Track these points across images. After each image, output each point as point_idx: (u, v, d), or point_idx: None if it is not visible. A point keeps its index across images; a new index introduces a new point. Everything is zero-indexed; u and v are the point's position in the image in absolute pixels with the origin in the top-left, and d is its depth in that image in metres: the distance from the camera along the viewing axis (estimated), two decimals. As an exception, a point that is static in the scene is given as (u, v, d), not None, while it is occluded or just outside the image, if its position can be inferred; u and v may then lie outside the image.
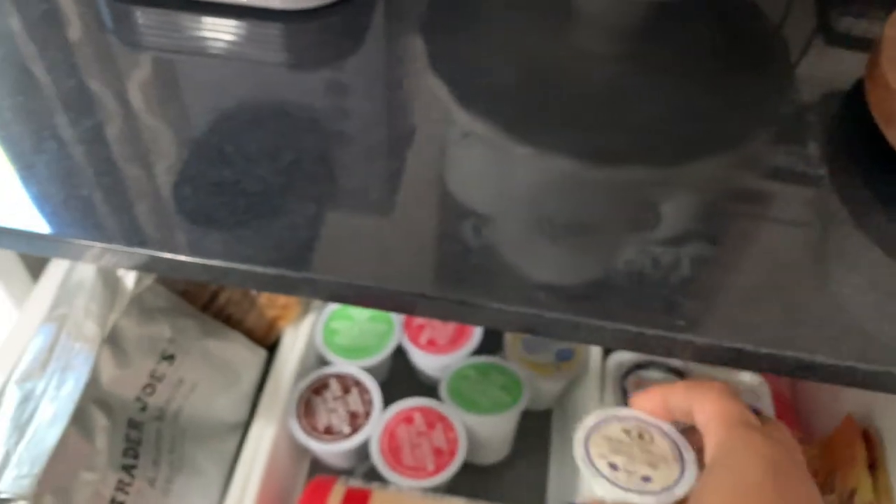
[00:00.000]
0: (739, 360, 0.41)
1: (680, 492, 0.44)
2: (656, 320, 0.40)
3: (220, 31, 0.55)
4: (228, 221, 0.42)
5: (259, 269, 0.41)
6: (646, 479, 0.44)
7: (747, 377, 0.60)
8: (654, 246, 0.43)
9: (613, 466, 0.45)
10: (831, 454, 0.56)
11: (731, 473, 0.35)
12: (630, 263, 0.42)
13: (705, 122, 0.51)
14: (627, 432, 0.49)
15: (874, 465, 0.52)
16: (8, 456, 0.40)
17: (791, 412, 0.64)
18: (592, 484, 0.48)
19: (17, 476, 0.40)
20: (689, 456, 0.45)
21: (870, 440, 0.53)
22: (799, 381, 0.68)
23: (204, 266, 0.41)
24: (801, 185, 0.47)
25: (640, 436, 0.48)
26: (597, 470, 0.46)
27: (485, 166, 0.47)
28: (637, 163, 0.48)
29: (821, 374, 0.40)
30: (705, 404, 0.39)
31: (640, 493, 0.43)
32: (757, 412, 0.40)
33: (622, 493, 0.44)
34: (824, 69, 0.54)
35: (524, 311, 0.40)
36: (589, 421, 0.50)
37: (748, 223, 0.45)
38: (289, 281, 0.41)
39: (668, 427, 0.48)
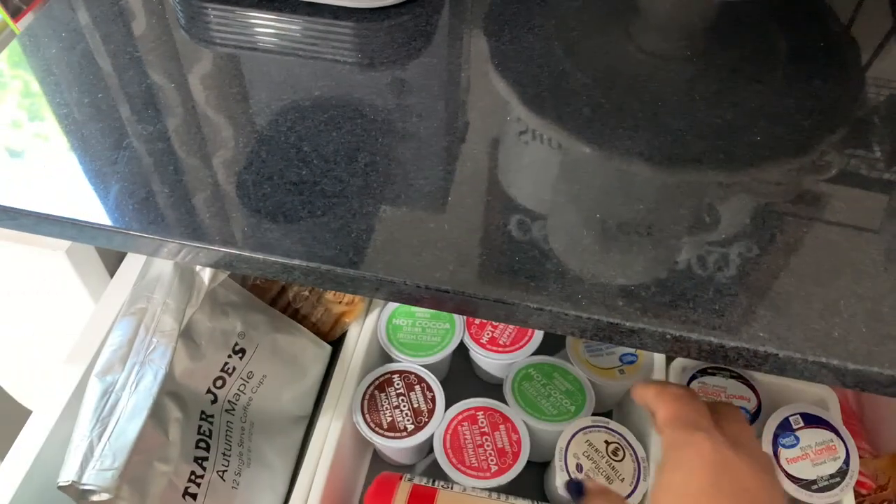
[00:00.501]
0: (825, 374, 0.40)
1: None
2: (736, 331, 0.40)
3: (292, 28, 0.55)
4: (308, 221, 0.42)
5: (339, 269, 0.42)
6: None
7: (816, 387, 0.59)
8: (719, 250, 0.42)
9: (579, 467, 0.52)
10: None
11: (677, 475, 0.38)
12: (702, 269, 0.42)
13: (774, 124, 0.50)
14: (607, 444, 0.55)
15: (952, 482, 0.50)
16: (91, 448, 0.42)
17: (856, 423, 0.63)
18: (557, 473, 0.53)
19: (101, 469, 0.41)
20: (643, 486, 0.53)
21: (948, 456, 0.51)
22: (865, 394, 0.66)
23: (283, 265, 0.42)
24: (872, 189, 0.46)
25: (615, 452, 0.54)
26: (565, 464, 0.53)
27: (549, 167, 0.46)
28: (703, 167, 0.47)
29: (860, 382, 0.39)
30: (660, 408, 0.41)
31: None
32: (715, 403, 0.43)
33: None
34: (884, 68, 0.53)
35: (593, 317, 0.40)
36: (583, 422, 0.54)
37: (819, 230, 0.44)
38: (365, 282, 0.42)
39: (643, 454, 0.54)
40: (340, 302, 0.60)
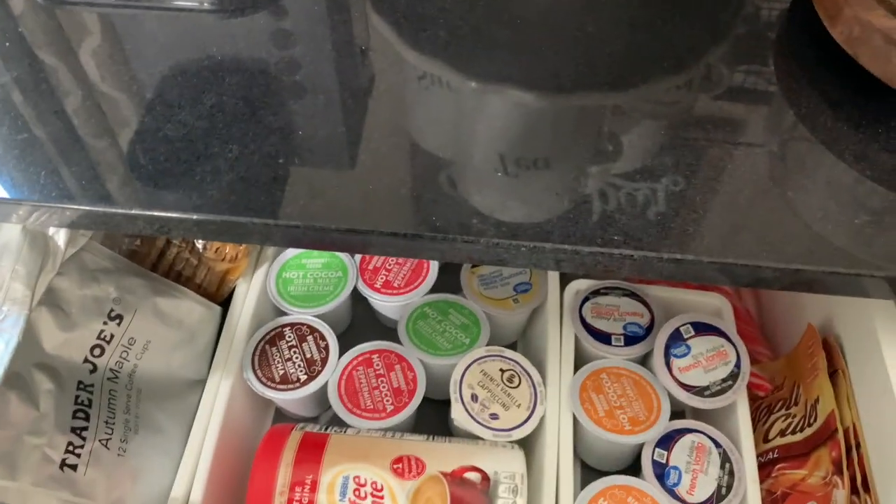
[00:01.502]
0: (681, 272, 0.40)
1: (516, 435, 0.51)
2: (594, 238, 0.39)
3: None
4: (156, 170, 0.41)
5: (192, 216, 0.40)
6: (493, 416, 0.52)
7: (709, 297, 0.59)
8: (610, 173, 0.42)
9: (474, 397, 0.52)
10: (795, 366, 0.56)
11: None
12: (582, 187, 0.41)
13: (654, 42, 0.49)
14: (503, 372, 0.54)
15: (835, 372, 0.51)
16: (-61, 422, 0.40)
17: (755, 329, 0.63)
18: (452, 405, 0.52)
19: (-50, 441, 0.39)
20: (541, 410, 0.52)
21: (830, 349, 0.52)
22: (764, 300, 0.67)
23: (133, 217, 0.40)
24: (756, 101, 0.46)
25: (510, 379, 0.53)
26: (460, 395, 0.52)
27: (438, 103, 0.45)
28: (590, 88, 0.46)
29: (768, 280, 0.39)
30: None
31: (483, 425, 0.51)
32: None
33: (469, 420, 0.51)
34: None
35: (474, 240, 0.39)
36: (477, 353, 0.54)
37: (700, 139, 0.43)
38: (229, 227, 0.40)
39: (538, 379, 0.54)
40: (223, 259, 0.58)
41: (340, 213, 0.39)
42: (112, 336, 0.53)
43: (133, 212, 0.40)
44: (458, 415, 0.52)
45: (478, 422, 0.52)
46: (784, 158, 0.42)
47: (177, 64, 0.47)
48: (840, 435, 0.49)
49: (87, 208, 0.40)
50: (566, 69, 0.46)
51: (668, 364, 0.54)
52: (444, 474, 0.48)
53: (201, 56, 0.47)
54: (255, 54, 0.48)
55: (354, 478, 0.48)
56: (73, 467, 0.47)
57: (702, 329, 0.56)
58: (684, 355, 0.54)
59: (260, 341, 0.56)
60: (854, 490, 0.47)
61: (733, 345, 0.55)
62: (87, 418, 0.49)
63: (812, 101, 0.45)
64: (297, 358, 0.56)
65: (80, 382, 0.50)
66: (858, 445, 0.48)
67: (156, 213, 0.40)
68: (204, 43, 0.48)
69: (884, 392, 0.45)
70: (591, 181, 0.41)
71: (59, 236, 0.48)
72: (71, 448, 0.48)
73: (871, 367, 0.47)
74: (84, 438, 0.48)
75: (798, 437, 0.53)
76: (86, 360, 0.51)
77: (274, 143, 0.43)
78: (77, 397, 0.50)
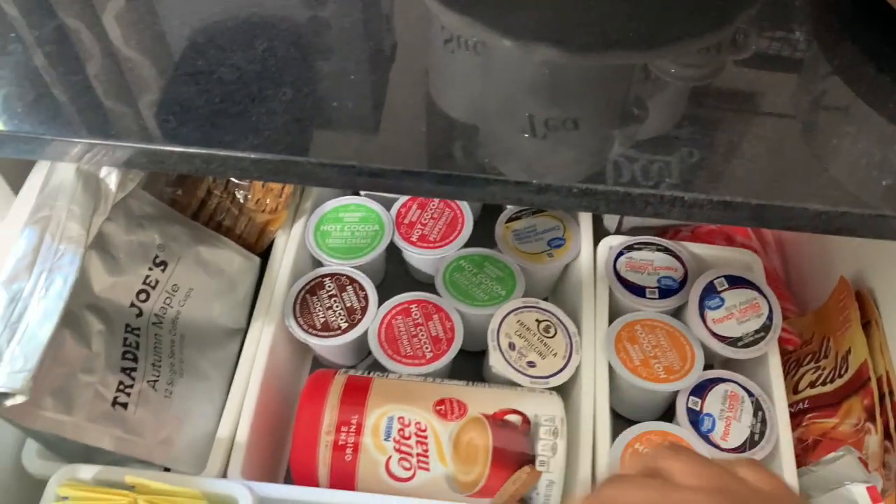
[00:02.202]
0: (730, 215, 0.40)
1: (553, 382, 0.53)
2: (645, 181, 0.40)
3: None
4: (212, 111, 0.41)
5: (239, 153, 0.41)
6: (531, 364, 0.53)
7: (740, 253, 0.60)
8: (639, 128, 0.42)
9: (511, 346, 0.54)
10: (826, 320, 0.57)
11: None
12: (630, 135, 0.42)
13: (685, 3, 0.50)
14: (539, 322, 0.56)
15: (868, 323, 0.52)
16: (0, 353, 0.41)
17: (782, 286, 0.64)
18: (490, 353, 0.53)
19: (12, 371, 0.40)
20: (576, 358, 0.54)
21: (863, 300, 0.53)
22: (790, 257, 0.68)
23: (184, 154, 0.41)
24: (789, 47, 0.47)
25: (546, 329, 0.55)
26: (498, 344, 0.54)
27: (468, 61, 0.46)
28: (620, 49, 0.47)
29: (813, 222, 0.40)
30: None
31: (520, 373, 0.53)
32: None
33: (508, 368, 0.53)
34: None
35: (526, 182, 0.40)
36: (514, 304, 0.55)
37: (746, 89, 0.44)
38: (272, 165, 0.41)
39: (574, 329, 0.55)
40: (263, 211, 0.59)
41: (394, 155, 0.40)
42: (157, 282, 0.53)
43: (191, 150, 0.41)
44: (496, 362, 0.53)
45: (515, 369, 0.53)
46: (828, 108, 0.43)
47: (227, 9, 0.48)
48: (873, 383, 0.50)
49: (145, 146, 0.41)
50: (597, 28, 0.47)
51: (702, 315, 0.55)
52: (486, 416, 0.49)
53: (249, 2, 0.48)
54: (305, 5, 0.48)
55: (399, 418, 0.49)
56: (124, 406, 0.48)
57: (735, 282, 0.57)
58: (718, 307, 0.55)
59: (301, 290, 0.57)
60: (887, 435, 0.49)
61: (766, 298, 0.56)
62: (135, 360, 0.50)
63: (854, 53, 0.45)
64: (337, 307, 0.56)
65: (127, 325, 0.51)
66: (892, 393, 0.49)
67: (213, 152, 0.41)
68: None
69: (920, 337, 0.46)
70: (617, 144, 0.42)
71: (111, 179, 0.48)
72: (121, 387, 0.49)
73: (906, 316, 0.48)
74: (133, 379, 0.50)
75: (828, 388, 0.54)
76: (132, 305, 0.52)
77: (326, 87, 0.43)
78: (125, 339, 0.51)
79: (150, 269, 0.53)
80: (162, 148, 0.41)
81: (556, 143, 0.41)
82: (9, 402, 0.40)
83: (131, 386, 0.49)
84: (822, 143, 0.41)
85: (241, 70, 0.44)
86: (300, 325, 0.55)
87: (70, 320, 0.46)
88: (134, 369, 0.50)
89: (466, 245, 0.61)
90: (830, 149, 0.41)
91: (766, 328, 0.55)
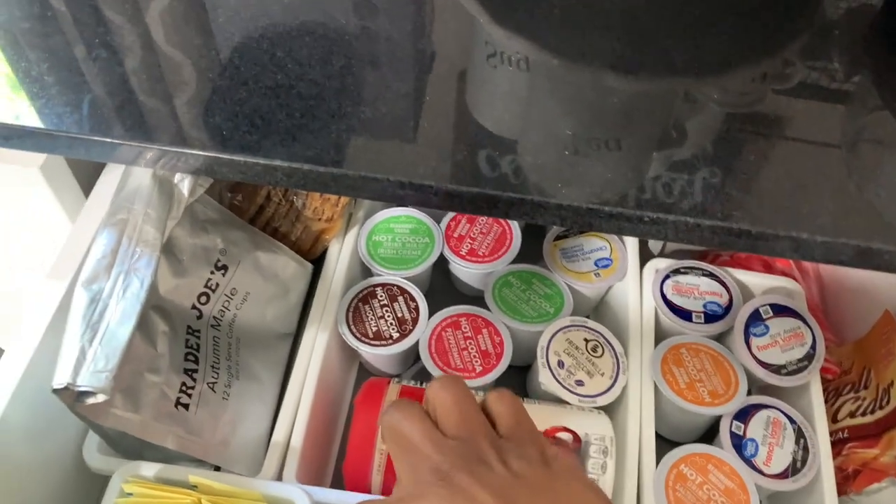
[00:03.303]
0: (797, 249, 0.42)
1: (601, 401, 0.54)
2: (714, 213, 0.41)
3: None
4: (287, 123, 0.43)
5: (319, 168, 0.42)
6: (579, 382, 0.55)
7: (783, 281, 0.61)
8: (687, 160, 0.44)
9: (560, 364, 0.55)
10: (867, 351, 0.58)
11: None
12: (673, 173, 0.43)
13: (732, 34, 0.51)
14: (587, 342, 0.57)
15: (912, 357, 0.53)
16: (83, 353, 0.42)
17: (820, 315, 0.65)
18: (540, 370, 0.55)
19: (95, 371, 0.41)
20: (623, 379, 0.55)
21: (908, 334, 0.54)
22: (828, 288, 0.69)
23: (265, 167, 0.42)
24: (830, 87, 0.48)
25: (594, 349, 0.56)
26: (547, 361, 0.55)
27: (517, 80, 0.47)
28: (667, 75, 0.48)
29: (877, 260, 0.41)
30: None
31: (569, 391, 0.54)
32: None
33: (556, 385, 0.54)
34: None
35: (598, 209, 0.41)
36: (562, 322, 0.56)
37: (783, 138, 0.45)
38: (348, 180, 0.42)
39: (621, 350, 0.57)
40: (319, 219, 0.60)
41: (471, 177, 0.42)
42: (217, 285, 0.55)
43: (274, 163, 0.42)
44: (545, 379, 0.54)
45: (564, 387, 0.54)
46: (870, 141, 0.44)
47: (302, 24, 0.49)
48: (916, 417, 0.51)
49: (230, 157, 0.42)
50: (644, 54, 0.48)
51: (747, 342, 0.56)
52: (538, 433, 0.50)
53: (325, 18, 0.49)
54: (380, 20, 0.50)
55: (453, 431, 0.50)
56: (186, 406, 0.50)
57: (780, 311, 0.58)
58: (763, 334, 0.57)
59: (353, 299, 0.58)
60: (929, 469, 0.50)
61: (809, 327, 0.57)
62: (196, 361, 0.52)
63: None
64: (388, 316, 0.58)
65: (188, 327, 0.52)
66: (935, 427, 0.50)
67: (295, 166, 0.42)
68: (325, 6, 0.50)
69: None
70: (655, 165, 0.43)
71: (184, 184, 0.50)
72: (184, 388, 0.50)
73: (953, 353, 0.50)
74: (194, 380, 0.51)
75: (869, 418, 0.55)
76: (193, 307, 0.53)
77: (403, 106, 0.45)
78: (187, 341, 0.52)
79: (212, 272, 0.54)
80: (237, 158, 0.42)
81: (598, 164, 0.42)
82: (90, 401, 0.41)
83: (192, 387, 0.50)
84: (877, 185, 0.42)
85: (321, 86, 0.45)
86: (353, 333, 0.57)
87: (139, 321, 0.48)
88: (195, 370, 0.51)
89: (514, 261, 0.62)
90: (885, 188, 0.42)
91: (809, 357, 0.56)
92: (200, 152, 0.42)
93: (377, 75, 0.46)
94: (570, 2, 0.52)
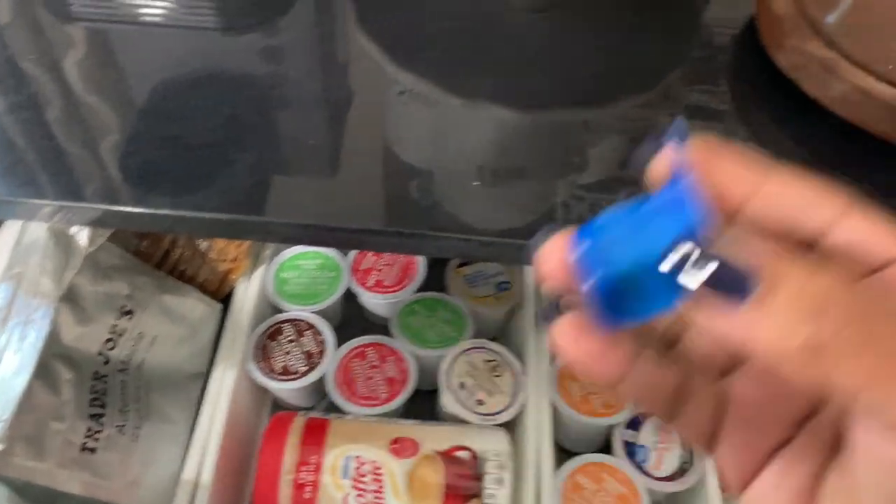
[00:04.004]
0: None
1: (500, 419, 0.57)
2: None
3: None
4: (175, 173, 0.45)
5: (206, 215, 0.44)
6: (480, 402, 0.57)
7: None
8: (581, 181, 0.47)
9: (462, 385, 0.58)
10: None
11: None
12: (554, 195, 0.47)
13: (620, 66, 0.55)
14: (487, 362, 0.60)
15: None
16: (-21, 405, 0.43)
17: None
18: (442, 392, 0.58)
19: (-10, 422, 0.42)
20: (522, 396, 0.58)
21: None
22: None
23: (153, 216, 0.44)
24: (710, 119, 0.52)
25: (495, 369, 0.59)
26: (449, 384, 0.58)
27: (420, 118, 0.50)
28: (560, 106, 0.52)
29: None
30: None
31: (470, 411, 0.57)
32: None
33: (458, 407, 0.57)
34: (728, 8, 0.59)
35: (458, 238, 0.44)
36: (464, 345, 0.59)
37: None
38: (240, 225, 0.45)
39: (520, 368, 0.59)
40: (225, 260, 0.62)
41: (349, 214, 0.44)
42: (124, 330, 0.56)
43: (161, 212, 0.44)
44: (447, 401, 0.57)
45: (465, 407, 0.57)
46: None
47: (194, 78, 0.51)
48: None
49: (118, 208, 0.44)
50: (540, 89, 0.52)
51: (636, 354, 0.60)
52: (438, 453, 0.53)
53: (215, 70, 0.52)
54: (263, 70, 0.52)
55: (356, 457, 0.52)
56: (93, 450, 0.51)
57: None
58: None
59: (261, 336, 0.60)
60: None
61: (693, 336, 0.61)
62: (103, 406, 0.53)
63: (761, 118, 0.51)
64: (295, 351, 0.60)
65: (95, 373, 0.54)
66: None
67: (182, 213, 0.44)
68: (215, 58, 0.52)
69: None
70: (561, 190, 0.46)
71: (81, 236, 0.51)
72: (90, 433, 0.51)
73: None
74: (102, 424, 0.52)
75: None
76: (100, 353, 0.54)
77: (285, 151, 0.47)
78: (93, 386, 0.53)
79: (118, 318, 0.56)
80: (133, 210, 0.44)
81: (504, 198, 0.45)
82: (-15, 451, 0.42)
83: (100, 431, 0.52)
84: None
85: (209, 135, 0.47)
86: (260, 370, 0.58)
87: (40, 370, 0.49)
88: (102, 415, 0.52)
89: (420, 289, 0.65)
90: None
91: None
92: (91, 205, 0.44)
93: (264, 121, 0.49)
94: (468, 46, 0.55)
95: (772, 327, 0.15)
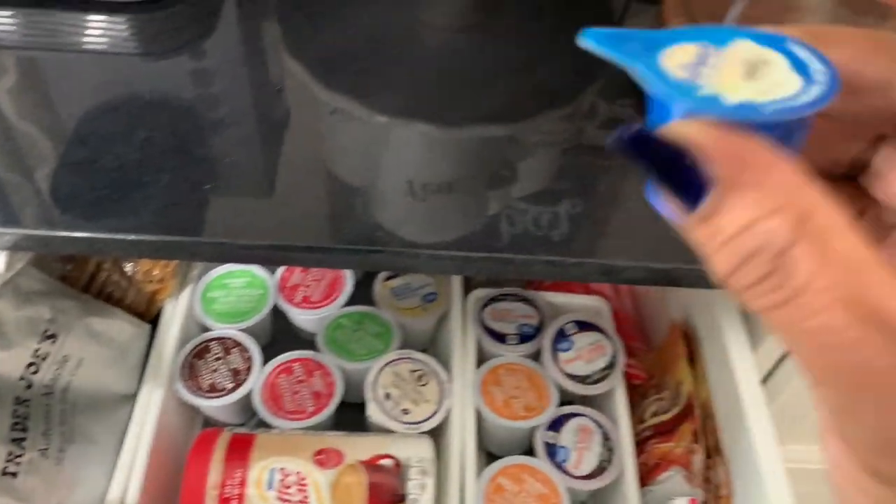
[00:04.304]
0: (556, 272, 0.48)
1: (425, 427, 0.58)
2: (484, 246, 0.46)
3: (67, 25, 0.57)
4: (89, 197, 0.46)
5: (121, 236, 0.45)
6: (405, 411, 0.59)
7: (590, 300, 0.68)
8: (507, 195, 0.49)
9: (387, 396, 0.59)
10: (664, 357, 0.65)
11: None
12: (477, 207, 0.49)
13: (541, 80, 0.58)
14: (413, 372, 0.62)
15: (692, 358, 0.60)
16: None
17: (632, 327, 0.72)
18: (368, 403, 0.59)
19: None
20: (447, 403, 0.59)
21: (689, 339, 0.61)
22: (639, 302, 0.76)
23: (65, 239, 0.45)
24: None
25: (420, 378, 0.61)
26: (374, 395, 0.60)
27: (347, 135, 0.52)
28: (485, 121, 0.54)
29: (623, 275, 0.47)
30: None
31: (395, 420, 0.58)
32: None
33: (383, 417, 0.58)
34: (644, 25, 0.62)
35: (381, 249, 0.45)
36: (389, 357, 0.61)
37: (581, 164, 0.51)
38: (153, 245, 0.46)
39: (445, 376, 0.60)
40: (151, 281, 0.63)
41: (275, 231, 0.46)
42: (47, 354, 0.56)
43: (75, 234, 0.45)
44: (372, 412, 0.58)
45: (391, 417, 0.58)
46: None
47: (108, 102, 0.52)
48: (697, 410, 0.58)
49: (30, 232, 0.45)
50: (464, 104, 0.54)
51: (554, 358, 0.62)
52: (361, 462, 0.54)
53: (132, 95, 0.53)
54: (181, 92, 0.53)
55: (280, 470, 0.53)
56: (14, 475, 0.51)
57: (583, 327, 0.64)
58: (568, 349, 0.63)
59: (188, 355, 0.61)
60: (708, 454, 0.56)
61: (610, 340, 0.63)
62: (24, 430, 0.53)
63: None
64: (223, 368, 0.61)
65: (16, 398, 0.54)
66: (712, 416, 0.57)
67: (96, 235, 0.45)
68: (135, 83, 0.53)
69: (723, 369, 0.54)
70: (487, 202, 0.49)
71: (-2, 261, 0.52)
72: (11, 457, 0.51)
73: (716, 350, 0.57)
74: (23, 448, 0.52)
75: (667, 416, 0.62)
76: (21, 378, 0.55)
77: (201, 172, 0.48)
78: (15, 411, 0.53)
79: (40, 342, 0.56)
80: (46, 233, 0.45)
81: (434, 211, 0.47)
82: None
83: (21, 455, 0.52)
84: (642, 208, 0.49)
85: (125, 158, 0.48)
86: (187, 388, 0.59)
87: (-42, 396, 0.49)
88: (24, 439, 0.53)
89: (348, 303, 0.66)
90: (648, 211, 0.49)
91: (610, 366, 0.62)
92: (4, 230, 0.45)
93: (181, 143, 0.50)
94: (392, 64, 0.57)
95: None
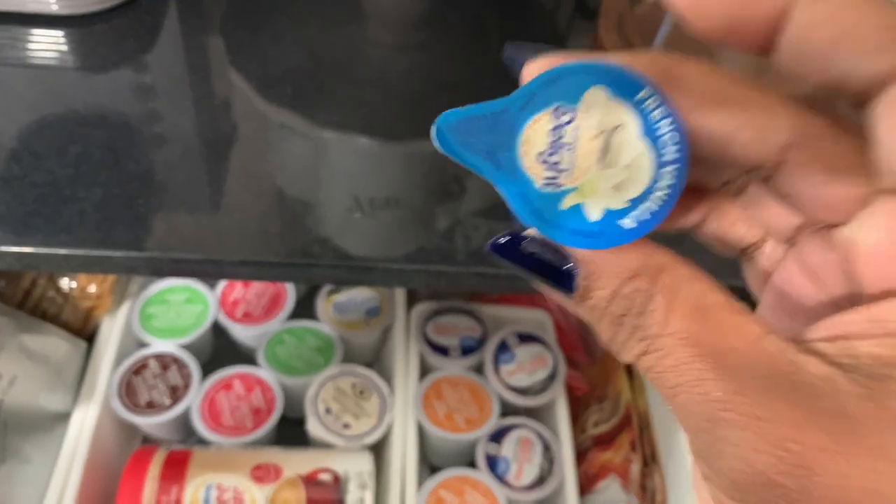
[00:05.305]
0: (485, 284, 0.48)
1: (366, 441, 0.58)
2: (417, 259, 0.47)
3: (3, 39, 0.57)
4: (25, 212, 0.45)
5: (50, 251, 0.45)
6: (346, 425, 0.59)
7: (533, 313, 0.69)
8: (468, 208, 0.50)
9: (328, 411, 0.59)
10: (605, 369, 0.66)
11: None
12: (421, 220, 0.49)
13: (482, 98, 0.58)
14: (354, 386, 0.62)
15: (631, 369, 0.61)
16: None
17: (576, 339, 0.73)
18: (308, 418, 0.59)
19: None
20: (388, 417, 0.59)
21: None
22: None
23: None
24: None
25: (361, 392, 0.61)
26: (315, 410, 0.59)
27: (291, 151, 0.52)
28: (429, 136, 0.55)
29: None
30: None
31: (336, 434, 0.58)
32: None
33: (324, 431, 0.58)
34: (585, 45, 0.63)
35: (315, 263, 0.46)
36: (330, 371, 0.61)
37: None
38: (82, 260, 0.45)
39: (387, 390, 0.61)
40: (88, 297, 0.62)
41: (200, 245, 0.45)
42: (-23, 373, 0.55)
43: (2, 249, 0.44)
44: (312, 426, 0.58)
45: (332, 431, 0.58)
46: None
47: (42, 117, 0.52)
48: (635, 419, 0.59)
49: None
50: (408, 119, 0.55)
51: (496, 370, 0.63)
52: (300, 477, 0.54)
53: (68, 110, 0.52)
54: (119, 107, 0.53)
55: (217, 486, 0.53)
56: (-61, 497, 0.50)
57: (525, 339, 0.65)
58: (510, 361, 0.63)
59: (126, 372, 0.60)
60: (645, 462, 0.57)
61: (551, 351, 0.64)
62: (-48, 451, 0.52)
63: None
64: (161, 385, 0.60)
65: (-56, 418, 0.52)
66: (648, 426, 0.58)
67: (25, 250, 0.44)
68: (72, 98, 0.53)
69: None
70: (442, 217, 0.49)
71: (-76, 277, 0.51)
72: (-64, 479, 0.50)
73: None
74: (-51, 470, 0.51)
75: (607, 426, 0.63)
76: (-50, 397, 0.53)
77: (136, 187, 0.48)
78: (-58, 432, 0.52)
79: (-30, 360, 0.55)
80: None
81: (379, 224, 0.48)
82: None
83: (-53, 477, 0.50)
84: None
85: (56, 172, 0.48)
86: (125, 405, 0.58)
87: None
88: (-50, 460, 0.51)
89: (290, 318, 0.66)
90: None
91: (551, 377, 0.63)
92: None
93: (112, 158, 0.50)
94: (335, 79, 0.57)
95: None
